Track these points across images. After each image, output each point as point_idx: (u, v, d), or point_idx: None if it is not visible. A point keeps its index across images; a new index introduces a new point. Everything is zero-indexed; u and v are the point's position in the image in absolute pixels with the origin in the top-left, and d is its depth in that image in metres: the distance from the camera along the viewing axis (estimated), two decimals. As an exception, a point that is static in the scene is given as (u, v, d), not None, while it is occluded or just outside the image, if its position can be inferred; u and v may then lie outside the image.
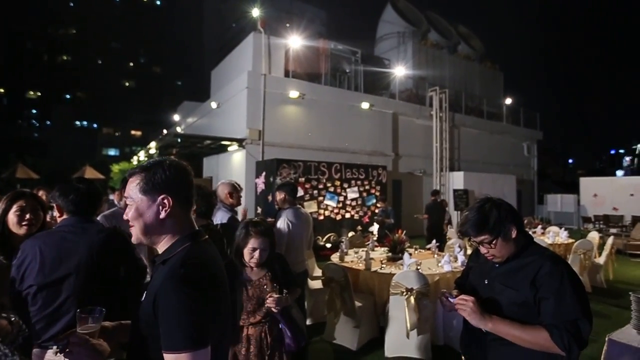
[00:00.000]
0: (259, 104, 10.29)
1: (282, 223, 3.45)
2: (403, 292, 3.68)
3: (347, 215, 9.54)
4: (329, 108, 11.45)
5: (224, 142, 10.89)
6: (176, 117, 19.50)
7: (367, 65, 13.94)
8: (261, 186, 9.27)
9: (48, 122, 59.82)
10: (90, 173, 18.47)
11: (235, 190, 3.62)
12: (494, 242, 1.51)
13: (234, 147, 10.99)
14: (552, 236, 6.72)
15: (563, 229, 7.40)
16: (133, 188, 1.16)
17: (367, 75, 13.54)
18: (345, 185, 9.60)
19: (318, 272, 4.99)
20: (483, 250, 1.57)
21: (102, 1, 63.51)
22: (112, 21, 62.91)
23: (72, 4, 63.48)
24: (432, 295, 3.81)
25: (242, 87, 10.44)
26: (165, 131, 18.77)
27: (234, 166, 11.18)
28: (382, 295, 3.98)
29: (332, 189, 9.39)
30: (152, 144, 14.26)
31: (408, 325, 3.55)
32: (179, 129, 17.27)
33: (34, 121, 62.60)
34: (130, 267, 1.94)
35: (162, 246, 1.17)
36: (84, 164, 21.65)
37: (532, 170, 18.24)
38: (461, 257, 4.41)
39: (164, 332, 1.01)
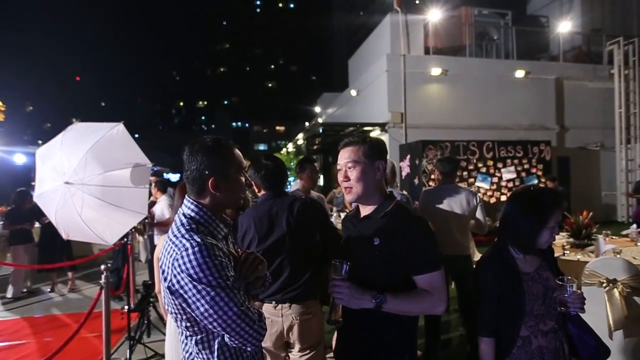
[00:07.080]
0: (399, 86, 10.11)
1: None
2: (603, 282, 3.12)
3: (503, 198, 8.69)
4: (476, 81, 10.48)
5: (366, 128, 11.10)
6: (317, 109, 20.69)
7: (519, 27, 12.23)
8: (406, 169, 9.15)
9: (212, 126, 71.79)
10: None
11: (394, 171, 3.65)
12: None
13: (376, 132, 11.09)
14: None
15: None
16: (357, 153, 1.38)
17: (520, 39, 11.88)
18: (500, 165, 8.81)
19: (478, 257, 4.65)
20: None
21: (246, 15, 72.27)
22: (255, 30, 71.15)
23: (224, 23, 74.06)
24: (646, 289, 3.13)
25: (382, 70, 10.41)
26: (307, 124, 20.22)
27: (376, 151, 11.30)
28: (569, 285, 3.46)
29: (484, 170, 8.72)
30: (300, 135, 15.52)
31: (611, 323, 3.00)
32: (320, 120, 18.33)
33: (203, 126, 76.04)
34: (325, 232, 2.18)
35: (370, 205, 1.41)
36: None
37: None
38: (685, 246, 3.49)
39: (420, 259, 1.31)
